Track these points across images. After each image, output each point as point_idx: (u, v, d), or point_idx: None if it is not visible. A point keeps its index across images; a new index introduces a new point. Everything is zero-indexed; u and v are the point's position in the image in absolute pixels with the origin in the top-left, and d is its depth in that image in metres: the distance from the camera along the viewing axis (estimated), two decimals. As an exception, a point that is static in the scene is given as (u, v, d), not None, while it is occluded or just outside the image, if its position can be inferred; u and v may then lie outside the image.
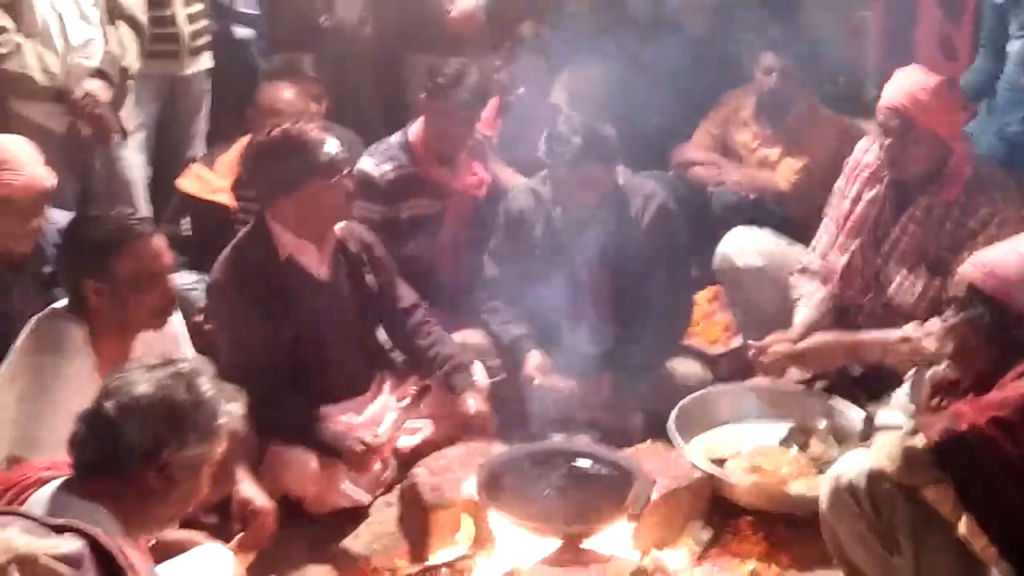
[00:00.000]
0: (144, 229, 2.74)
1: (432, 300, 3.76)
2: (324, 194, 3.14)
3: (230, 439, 2.11)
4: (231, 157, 3.94)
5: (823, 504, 2.39)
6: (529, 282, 3.62)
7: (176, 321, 2.94)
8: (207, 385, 2.05)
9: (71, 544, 1.55)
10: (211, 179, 3.94)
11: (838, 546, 2.39)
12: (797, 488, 3.08)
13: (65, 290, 2.79)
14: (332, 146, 3.17)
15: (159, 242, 2.74)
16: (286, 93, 3.97)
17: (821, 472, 3.11)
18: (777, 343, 3.42)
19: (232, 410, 2.09)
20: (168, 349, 2.77)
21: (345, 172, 3.19)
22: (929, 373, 2.64)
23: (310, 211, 3.17)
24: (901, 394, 3.28)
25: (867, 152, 3.48)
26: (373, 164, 3.92)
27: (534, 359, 3.57)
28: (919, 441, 2.23)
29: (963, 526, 2.36)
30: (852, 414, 3.36)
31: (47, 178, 3.10)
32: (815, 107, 4.36)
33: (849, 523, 2.33)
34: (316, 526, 3.18)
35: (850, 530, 2.33)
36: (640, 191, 3.68)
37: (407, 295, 3.52)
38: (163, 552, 2.42)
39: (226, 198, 3.88)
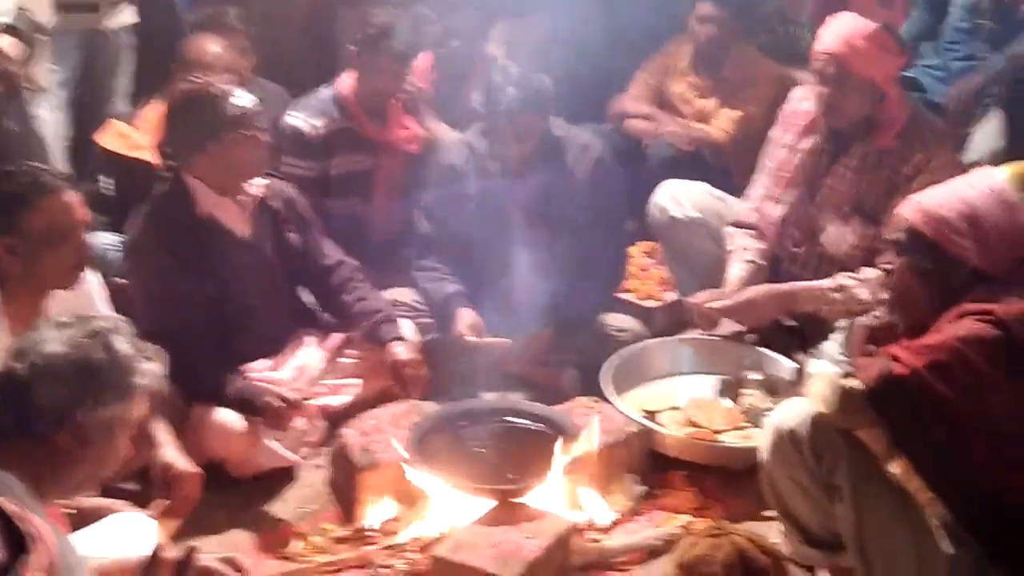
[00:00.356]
0: (56, 183, 2.63)
1: (365, 258, 3.67)
2: (235, 149, 3.08)
3: (149, 400, 2.02)
4: (155, 113, 3.80)
5: (764, 453, 2.35)
6: (462, 238, 3.55)
7: (92, 280, 2.84)
8: (124, 343, 1.96)
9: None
10: (133, 135, 3.81)
11: (778, 496, 2.36)
12: (729, 440, 3.05)
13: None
14: (243, 100, 3.10)
15: (72, 196, 2.64)
16: (212, 46, 3.82)
17: (754, 424, 3.11)
18: (712, 299, 3.38)
19: (150, 369, 1.99)
20: (83, 309, 2.66)
21: (258, 127, 3.11)
22: (863, 318, 2.60)
23: (223, 166, 3.11)
24: (832, 344, 3.26)
25: (802, 100, 3.45)
26: (303, 119, 3.82)
27: (466, 317, 3.50)
28: (854, 384, 2.20)
29: (897, 467, 2.36)
30: (784, 365, 3.33)
31: None
32: (753, 56, 4.30)
33: (790, 471, 2.30)
34: (241, 489, 3.08)
35: (791, 478, 2.30)
36: (576, 142, 3.63)
37: (332, 252, 3.44)
38: (81, 520, 2.35)
39: (149, 155, 3.75)
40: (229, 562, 2.12)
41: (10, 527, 1.49)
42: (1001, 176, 2.38)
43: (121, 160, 3.80)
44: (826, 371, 2.48)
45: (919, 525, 2.25)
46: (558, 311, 3.50)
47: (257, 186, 3.22)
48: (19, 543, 1.47)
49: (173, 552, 1.78)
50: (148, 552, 1.70)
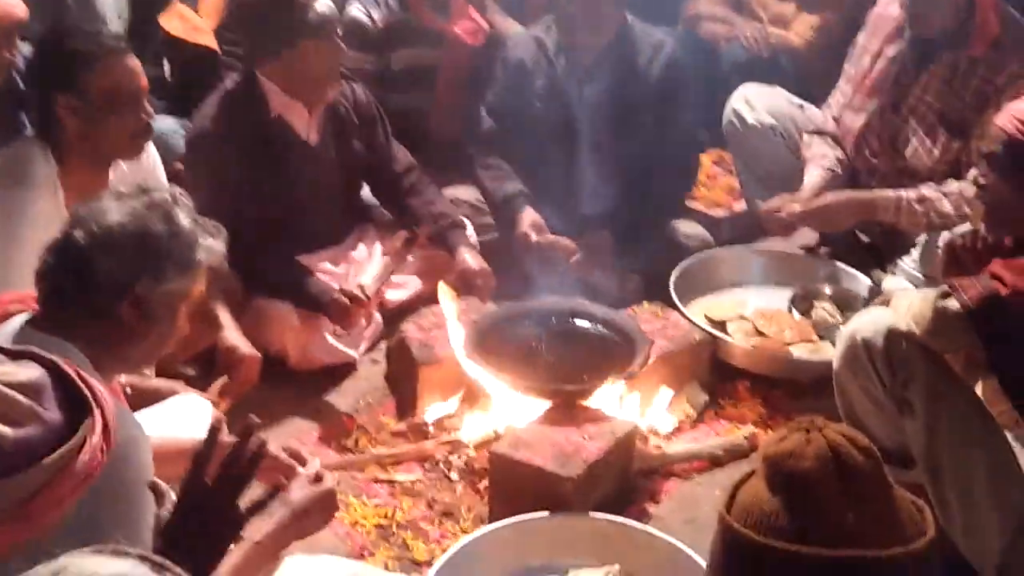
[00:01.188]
0: (120, 45, 2.58)
1: (426, 156, 3.60)
2: (313, 56, 2.99)
3: (209, 277, 1.97)
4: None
5: (837, 361, 2.28)
6: (528, 137, 3.46)
7: (153, 154, 2.80)
8: (185, 217, 1.90)
9: (29, 371, 1.41)
10: (195, 19, 3.72)
11: (848, 406, 2.29)
12: (798, 352, 2.98)
13: (35, 113, 2.63)
14: (323, 4, 2.98)
15: (135, 61, 2.58)
16: None
17: (824, 338, 3.03)
18: (787, 203, 3.27)
19: (212, 246, 1.94)
20: (145, 182, 2.61)
21: (335, 34, 3.00)
22: (946, 236, 2.50)
23: (299, 73, 3.03)
24: (909, 261, 3.18)
25: (889, 4, 3.29)
26: (362, 10, 3.70)
27: (529, 217, 3.42)
28: (952, 304, 2.11)
29: (980, 390, 2.28)
30: (857, 281, 3.25)
31: (18, 6, 2.90)
32: (834, -40, 4.11)
33: (863, 382, 2.22)
34: (301, 381, 3.08)
35: (863, 389, 2.23)
36: (649, 40, 3.50)
37: (402, 158, 3.38)
38: (139, 400, 2.33)
39: (210, 40, 3.67)
40: (289, 451, 2.10)
41: (69, 390, 1.44)
42: None
43: (181, 44, 3.72)
44: (912, 289, 2.40)
45: (997, 446, 2.17)
46: (623, 215, 3.41)
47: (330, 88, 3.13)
48: (79, 408, 1.43)
49: (228, 435, 1.74)
50: (204, 433, 1.65)
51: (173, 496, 1.63)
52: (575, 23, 3.39)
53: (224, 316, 2.79)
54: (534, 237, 3.38)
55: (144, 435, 1.84)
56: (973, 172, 2.38)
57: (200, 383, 2.74)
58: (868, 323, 2.24)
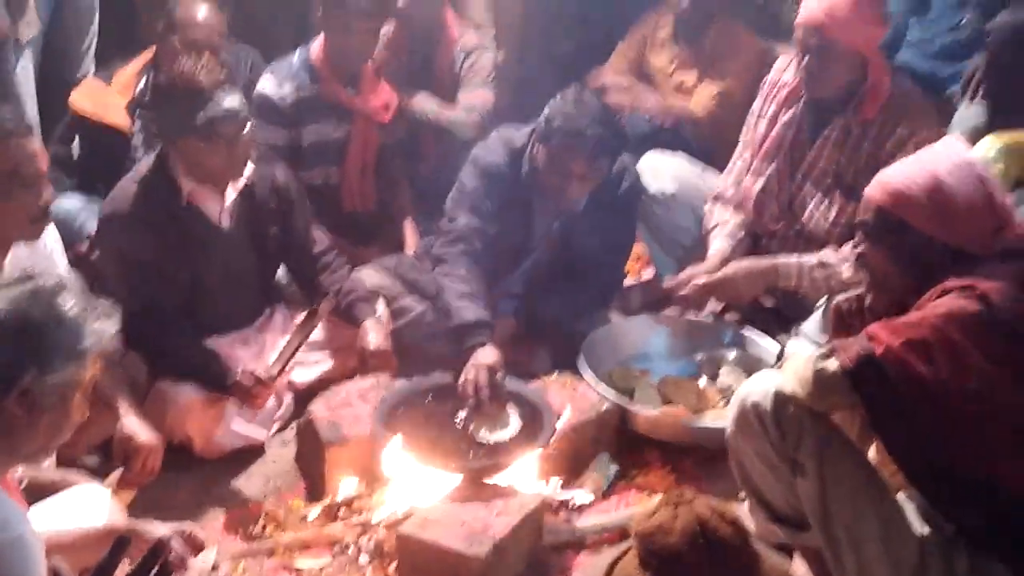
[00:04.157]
0: (21, 127, 2.54)
1: (338, 230, 3.60)
2: (206, 153, 2.97)
3: (102, 362, 1.94)
4: (129, 74, 3.73)
5: (729, 426, 2.29)
6: (482, 240, 3.34)
7: (52, 239, 2.76)
8: (71, 302, 1.88)
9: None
10: (106, 96, 3.71)
11: (743, 471, 2.29)
12: (706, 420, 3.00)
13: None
14: (225, 103, 2.94)
15: (36, 144, 2.56)
16: (202, 9, 3.68)
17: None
18: (693, 276, 3.32)
19: (101, 329, 1.91)
20: (43, 268, 2.57)
21: (233, 132, 2.96)
22: (837, 298, 2.54)
23: (195, 164, 3.02)
24: (812, 323, 3.21)
25: (785, 71, 3.38)
26: (274, 85, 3.72)
27: (488, 357, 3.06)
28: (831, 364, 2.13)
29: (872, 451, 2.30)
30: (763, 344, 3.28)
31: None
32: (735, 29, 4.21)
33: (754, 445, 2.22)
34: (207, 468, 3.03)
35: (755, 452, 2.23)
36: (617, 170, 3.40)
37: (318, 240, 3.37)
38: (37, 493, 2.29)
39: (121, 118, 3.66)
40: (185, 536, 2.06)
41: None
42: (964, 148, 2.31)
43: (91, 122, 3.70)
44: (803, 351, 2.42)
45: (887, 504, 2.19)
46: (543, 317, 3.40)
47: (241, 175, 3.12)
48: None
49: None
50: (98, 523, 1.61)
51: None
52: (564, 177, 3.24)
53: (123, 403, 2.74)
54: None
55: (32, 532, 1.79)
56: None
57: (102, 473, 2.69)
58: (757, 387, 2.25)
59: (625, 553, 1.41)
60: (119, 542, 1.57)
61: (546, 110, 3.26)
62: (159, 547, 1.56)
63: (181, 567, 1.99)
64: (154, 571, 1.54)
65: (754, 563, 1.35)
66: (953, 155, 2.25)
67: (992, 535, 2.16)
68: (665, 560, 1.32)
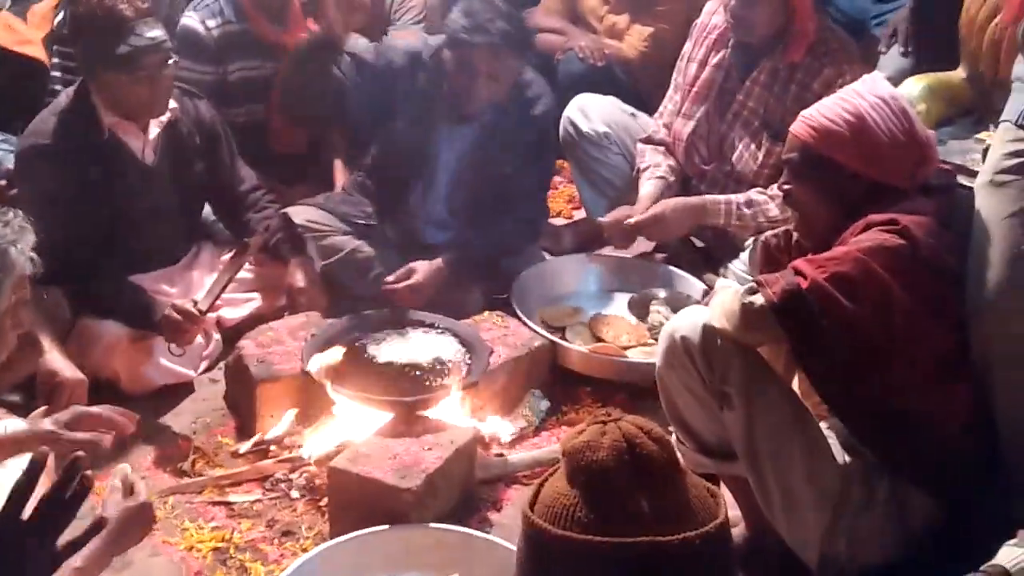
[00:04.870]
0: None
1: (266, 170, 3.54)
2: (124, 87, 2.90)
3: (20, 286, 1.88)
4: (46, 6, 3.62)
5: (658, 360, 2.32)
6: (386, 149, 3.37)
7: None
8: None
9: None
10: (22, 30, 3.60)
11: (671, 403, 2.33)
12: (634, 356, 3.04)
13: None
14: (147, 33, 2.86)
15: None
16: None
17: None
18: (623, 216, 3.34)
19: (16, 255, 1.86)
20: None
21: (157, 65, 2.89)
22: (765, 235, 2.57)
23: (117, 97, 2.94)
24: (739, 263, 3.27)
25: (714, 14, 3.40)
26: (198, 20, 3.63)
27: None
28: (757, 299, 2.15)
29: (796, 382, 2.35)
30: (691, 283, 3.33)
31: None
32: (666, -28, 4.22)
33: (682, 378, 2.26)
34: (135, 405, 2.92)
35: (683, 385, 2.27)
36: (529, 91, 3.38)
37: (246, 176, 3.32)
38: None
39: (37, 51, 3.55)
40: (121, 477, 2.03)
41: None
42: (887, 84, 2.34)
43: (7, 55, 3.59)
44: (729, 288, 2.45)
45: (810, 434, 2.24)
46: (467, 250, 3.35)
47: (165, 108, 3.05)
48: None
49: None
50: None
51: None
52: (472, 73, 3.22)
53: (46, 339, 2.69)
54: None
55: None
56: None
57: (24, 411, 2.63)
58: (686, 321, 2.28)
59: (553, 472, 1.43)
60: (32, 464, 1.53)
61: (451, 13, 3.26)
62: (76, 462, 1.53)
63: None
64: (73, 485, 1.52)
65: (680, 477, 1.38)
66: (876, 91, 2.29)
67: (912, 463, 2.22)
68: (593, 474, 1.33)
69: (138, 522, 1.85)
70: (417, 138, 3.34)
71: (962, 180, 2.56)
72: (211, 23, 3.62)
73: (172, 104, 3.06)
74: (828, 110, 2.30)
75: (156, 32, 2.90)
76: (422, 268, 3.22)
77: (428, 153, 3.37)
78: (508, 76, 3.26)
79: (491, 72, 3.21)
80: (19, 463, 2.27)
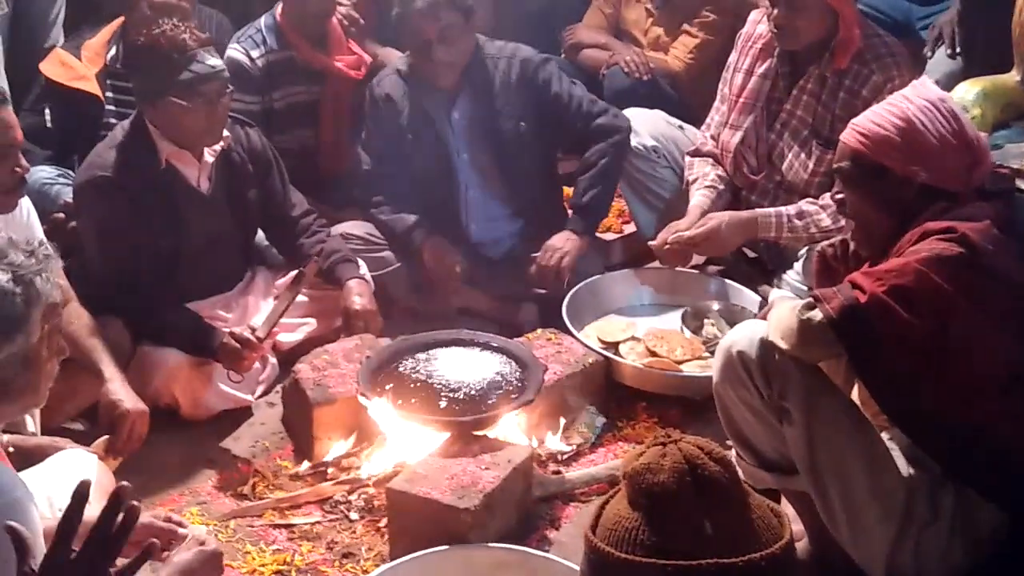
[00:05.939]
0: None
1: (316, 194, 3.59)
2: (181, 113, 2.96)
3: (51, 314, 1.89)
4: (98, 42, 3.68)
5: (716, 375, 2.30)
6: (407, 169, 3.46)
7: (27, 207, 2.76)
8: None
9: None
10: (76, 66, 3.67)
11: (729, 419, 2.32)
12: (689, 370, 3.02)
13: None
14: (205, 62, 2.95)
15: (9, 113, 2.56)
16: None
17: (714, 354, 3.07)
18: (673, 233, 3.33)
19: (41, 287, 1.83)
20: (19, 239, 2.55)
21: (214, 92, 2.97)
22: (821, 245, 2.55)
23: (175, 126, 3.01)
24: (793, 274, 3.24)
25: (759, 24, 3.38)
26: (242, 51, 3.69)
27: (434, 245, 3.40)
28: (816, 315, 2.13)
29: (856, 393, 2.32)
30: (746, 296, 3.31)
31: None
32: (710, -19, 4.20)
33: (740, 393, 2.24)
34: (195, 431, 3.04)
35: (741, 400, 2.25)
36: (502, 54, 3.48)
37: (298, 202, 3.36)
38: (23, 459, 2.28)
39: (92, 86, 3.62)
40: (166, 518, 2.06)
41: None
42: (934, 87, 2.32)
43: (62, 91, 3.66)
44: (786, 302, 2.43)
45: (873, 447, 2.21)
46: (518, 238, 3.42)
47: (220, 137, 3.10)
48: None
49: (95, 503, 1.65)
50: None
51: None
52: (429, 51, 3.35)
53: (107, 369, 2.73)
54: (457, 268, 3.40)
55: (27, 494, 1.79)
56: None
57: (90, 438, 2.68)
58: (743, 336, 2.27)
59: (614, 495, 1.43)
60: (76, 496, 1.52)
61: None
62: (121, 492, 1.52)
63: (166, 538, 2.00)
64: (120, 515, 1.51)
65: (743, 498, 1.37)
66: (923, 95, 2.27)
67: (977, 474, 2.18)
68: (655, 498, 1.33)
69: (210, 567, 1.90)
70: (426, 142, 3.44)
71: (1021, 184, 2.52)
72: (255, 53, 3.68)
73: (225, 133, 3.11)
74: (877, 116, 2.28)
75: (216, 61, 3.00)
76: (558, 239, 3.37)
77: (441, 150, 3.45)
78: (459, 36, 3.34)
79: (441, 36, 3.30)
80: (66, 459, 2.34)
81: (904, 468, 2.23)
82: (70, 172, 3.51)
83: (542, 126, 3.47)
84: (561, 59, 4.27)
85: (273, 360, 3.22)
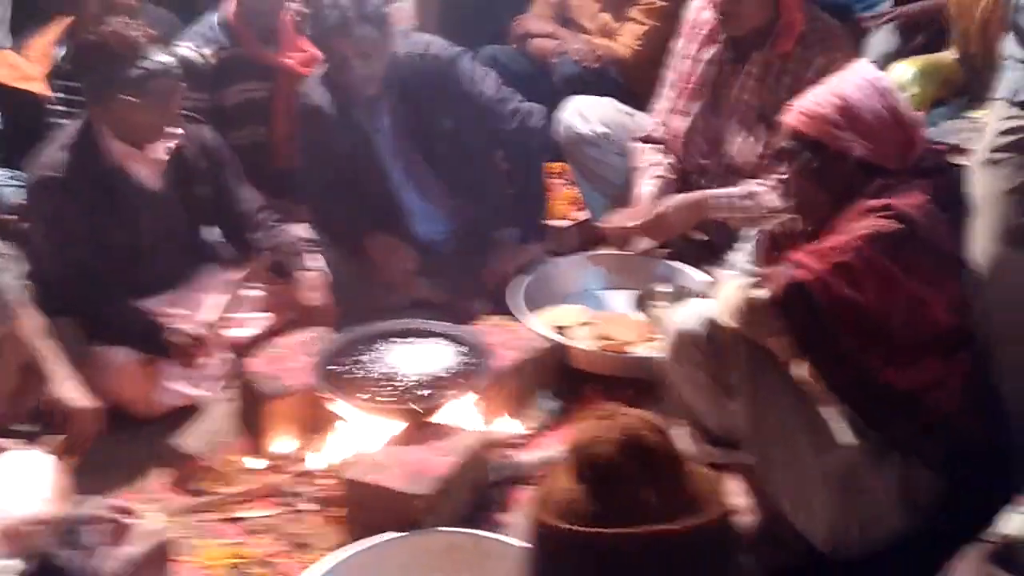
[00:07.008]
0: None
1: (270, 186, 3.57)
2: (134, 111, 2.94)
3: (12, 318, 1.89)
4: (44, 42, 3.64)
5: (666, 354, 2.33)
6: (345, 176, 3.44)
7: None
8: None
9: None
10: (22, 66, 3.63)
11: (678, 395, 2.35)
12: (643, 352, 3.04)
13: None
14: (152, 61, 2.93)
15: None
16: None
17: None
18: (624, 218, 3.35)
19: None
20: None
21: (162, 91, 2.96)
22: (768, 225, 2.58)
23: (125, 124, 2.99)
24: (741, 254, 3.26)
25: (702, 10, 3.40)
26: (191, 48, 3.66)
27: (382, 243, 3.40)
28: (761, 293, 2.17)
29: (802, 370, 2.36)
30: (695, 277, 3.33)
31: None
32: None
33: (689, 371, 2.28)
34: (148, 428, 3.01)
35: (690, 377, 2.29)
36: (415, 50, 3.43)
37: (249, 197, 3.34)
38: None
39: (40, 87, 3.58)
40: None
41: None
42: (871, 68, 2.37)
43: (9, 92, 3.62)
44: (733, 281, 2.47)
45: (816, 418, 2.25)
46: (460, 233, 3.42)
47: (171, 135, 3.09)
48: None
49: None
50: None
51: None
52: (348, 66, 3.30)
53: (54, 368, 2.70)
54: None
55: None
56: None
57: (44, 440, 2.66)
58: (691, 315, 2.30)
59: (558, 471, 1.44)
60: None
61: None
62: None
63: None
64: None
65: (682, 467, 1.39)
66: (860, 73, 2.32)
67: (919, 444, 2.23)
68: (598, 469, 1.35)
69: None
70: (357, 148, 3.41)
71: (956, 160, 2.57)
72: (206, 50, 3.66)
73: (177, 131, 3.10)
74: (814, 95, 2.33)
75: (166, 57, 2.98)
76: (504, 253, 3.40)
77: (371, 156, 3.43)
78: (376, 48, 3.28)
79: (356, 51, 3.25)
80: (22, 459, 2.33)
81: (847, 438, 2.26)
82: (19, 173, 3.47)
83: (464, 122, 3.44)
84: (510, 48, 4.29)
85: (228, 355, 3.21)
